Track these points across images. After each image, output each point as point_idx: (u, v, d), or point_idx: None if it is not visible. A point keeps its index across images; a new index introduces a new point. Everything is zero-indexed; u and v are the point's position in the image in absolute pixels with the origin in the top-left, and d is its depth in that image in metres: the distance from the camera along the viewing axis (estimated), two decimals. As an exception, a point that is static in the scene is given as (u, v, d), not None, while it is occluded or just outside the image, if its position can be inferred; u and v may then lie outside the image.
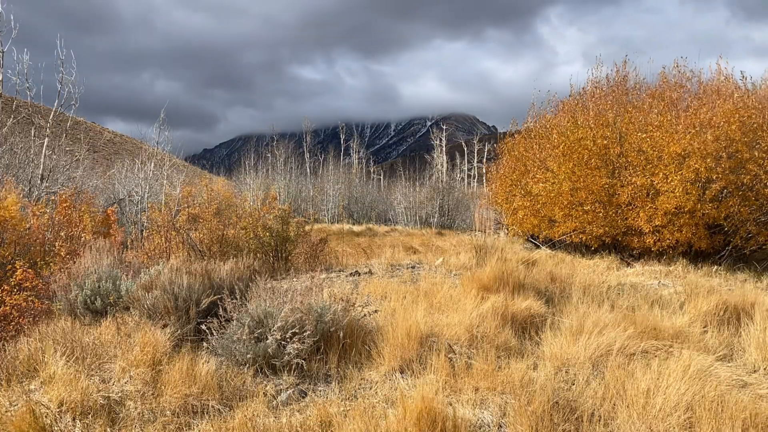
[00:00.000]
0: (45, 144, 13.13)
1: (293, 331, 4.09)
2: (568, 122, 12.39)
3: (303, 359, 4.03)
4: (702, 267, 9.58)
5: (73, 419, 3.38)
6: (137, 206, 18.58)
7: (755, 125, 9.99)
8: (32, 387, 3.85)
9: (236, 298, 4.52)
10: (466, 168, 58.61)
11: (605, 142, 11.27)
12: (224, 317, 4.41)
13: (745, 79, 11.34)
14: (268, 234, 8.97)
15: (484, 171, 39.40)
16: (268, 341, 4.05)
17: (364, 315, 4.99)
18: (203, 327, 4.47)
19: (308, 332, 4.11)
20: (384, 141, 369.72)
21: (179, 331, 4.73)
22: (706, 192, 9.79)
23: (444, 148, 55.16)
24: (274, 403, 3.58)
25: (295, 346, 4.01)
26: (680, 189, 9.67)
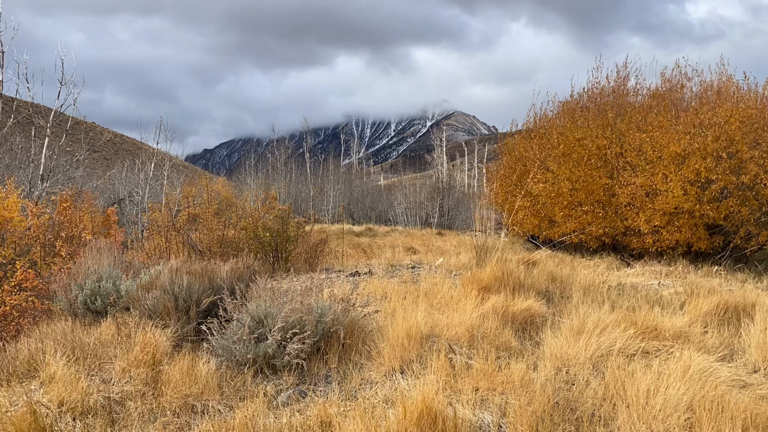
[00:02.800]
0: (45, 144, 13.12)
1: (293, 331, 4.09)
2: (567, 122, 12.40)
3: (303, 359, 4.03)
4: (702, 267, 9.57)
5: (74, 419, 3.38)
6: (137, 206, 18.59)
7: (756, 125, 9.99)
8: (32, 387, 3.85)
9: (236, 299, 4.52)
10: (466, 168, 58.62)
11: (605, 142, 11.27)
12: (224, 317, 4.41)
13: (747, 79, 11.34)
14: (268, 234, 8.97)
15: (484, 171, 39.39)
16: (268, 341, 4.05)
17: (364, 315, 4.98)
18: (203, 327, 4.47)
19: (308, 332, 4.11)
20: (384, 141, 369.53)
21: (179, 332, 4.74)
22: (706, 192, 9.78)
23: (444, 149, 55.14)
24: (275, 403, 3.58)
25: (296, 347, 4.01)
26: (679, 189, 9.66)
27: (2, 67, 12.45)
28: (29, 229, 8.34)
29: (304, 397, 3.67)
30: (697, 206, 9.71)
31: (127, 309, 5.30)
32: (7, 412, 3.41)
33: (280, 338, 4.07)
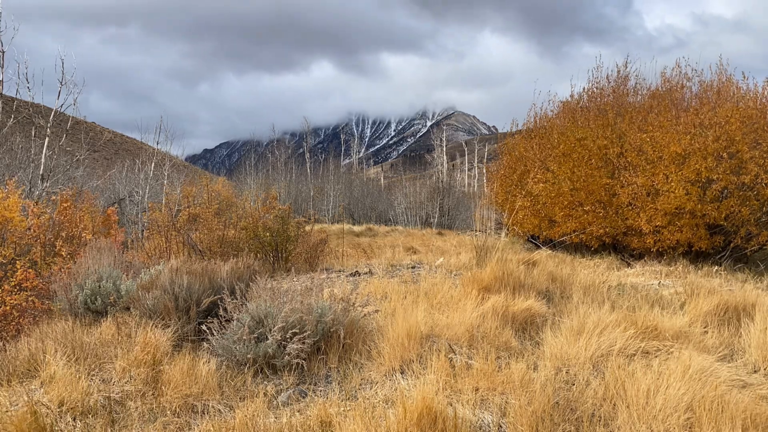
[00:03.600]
0: (45, 144, 13.13)
1: (293, 331, 4.09)
2: (568, 122, 12.40)
3: (303, 359, 4.03)
4: (702, 267, 9.57)
5: (74, 419, 3.38)
6: (137, 206, 18.60)
7: (756, 125, 9.99)
8: (33, 387, 3.85)
9: (236, 298, 4.52)
10: (466, 168, 58.64)
11: (605, 142, 11.27)
12: (224, 317, 4.41)
13: (746, 79, 11.34)
14: (268, 234, 8.98)
15: (484, 171, 39.41)
16: (268, 341, 4.05)
17: (365, 315, 4.98)
18: (204, 327, 4.47)
19: (308, 332, 4.11)
20: (384, 141, 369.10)
21: (179, 331, 4.74)
22: (707, 192, 9.78)
23: (444, 148, 55.12)
24: (275, 403, 3.58)
25: (296, 347, 4.01)
26: (680, 189, 9.67)
27: (2, 67, 12.46)
28: (29, 229, 8.34)
29: (304, 397, 3.67)
30: (699, 206, 9.71)
31: (128, 309, 5.30)
32: (7, 411, 3.41)
33: (280, 338, 4.07)
